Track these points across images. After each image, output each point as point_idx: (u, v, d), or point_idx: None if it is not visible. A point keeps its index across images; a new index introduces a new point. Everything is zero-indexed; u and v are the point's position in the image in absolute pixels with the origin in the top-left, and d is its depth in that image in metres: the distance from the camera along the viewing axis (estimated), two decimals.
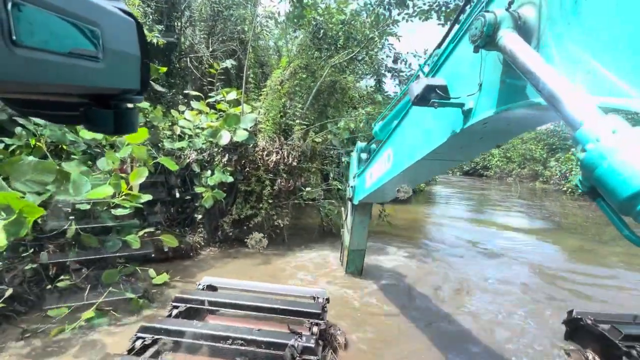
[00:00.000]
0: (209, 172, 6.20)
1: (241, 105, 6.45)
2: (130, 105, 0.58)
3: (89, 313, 3.30)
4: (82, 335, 3.32)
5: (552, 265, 6.75)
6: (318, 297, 3.49)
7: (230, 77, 9.36)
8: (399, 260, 6.52)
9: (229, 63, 7.08)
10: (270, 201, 6.59)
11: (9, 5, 0.33)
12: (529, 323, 4.33)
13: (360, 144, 5.07)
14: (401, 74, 9.16)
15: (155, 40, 6.98)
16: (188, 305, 3.25)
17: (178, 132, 6.38)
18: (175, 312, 3.17)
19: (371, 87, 9.76)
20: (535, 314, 4.57)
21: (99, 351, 3.13)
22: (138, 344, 2.70)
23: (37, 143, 3.76)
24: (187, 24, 9.12)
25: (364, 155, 4.89)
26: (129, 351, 2.63)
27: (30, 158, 2.98)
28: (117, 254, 4.48)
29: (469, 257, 7.05)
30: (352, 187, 5.04)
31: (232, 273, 5.47)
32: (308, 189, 6.90)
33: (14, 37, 0.34)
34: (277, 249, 6.67)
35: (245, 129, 6.09)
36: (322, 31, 7.64)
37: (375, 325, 4.02)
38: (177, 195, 6.42)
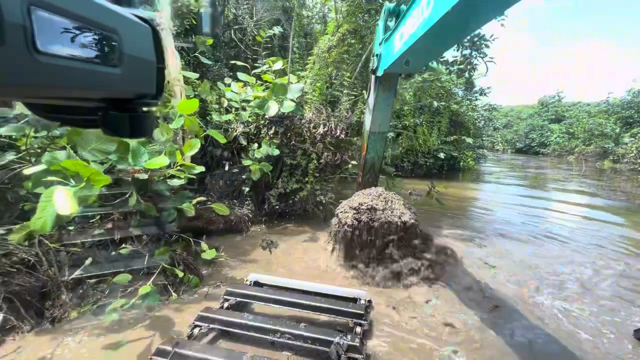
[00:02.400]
0: (256, 145, 6.16)
1: (287, 76, 6.22)
2: (145, 109, 0.58)
3: (146, 288, 3.45)
4: (148, 310, 3.52)
5: None
6: (360, 299, 3.51)
7: (274, 48, 9.09)
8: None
9: (276, 30, 6.79)
10: (317, 175, 6.43)
11: (32, 14, 0.33)
12: None
13: (389, 5, 4.37)
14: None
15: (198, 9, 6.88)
16: (238, 299, 3.46)
17: (225, 104, 6.37)
18: (226, 304, 3.40)
19: None
20: None
21: (167, 326, 3.29)
22: (196, 331, 2.99)
23: None
24: None
25: (391, 24, 4.23)
26: (189, 337, 2.92)
27: None
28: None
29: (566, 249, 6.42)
30: (376, 55, 4.39)
31: (283, 250, 5.46)
32: (354, 162, 6.62)
33: (37, 45, 0.34)
34: (320, 226, 6.54)
35: (292, 100, 5.88)
36: None
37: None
38: (227, 168, 6.51)
